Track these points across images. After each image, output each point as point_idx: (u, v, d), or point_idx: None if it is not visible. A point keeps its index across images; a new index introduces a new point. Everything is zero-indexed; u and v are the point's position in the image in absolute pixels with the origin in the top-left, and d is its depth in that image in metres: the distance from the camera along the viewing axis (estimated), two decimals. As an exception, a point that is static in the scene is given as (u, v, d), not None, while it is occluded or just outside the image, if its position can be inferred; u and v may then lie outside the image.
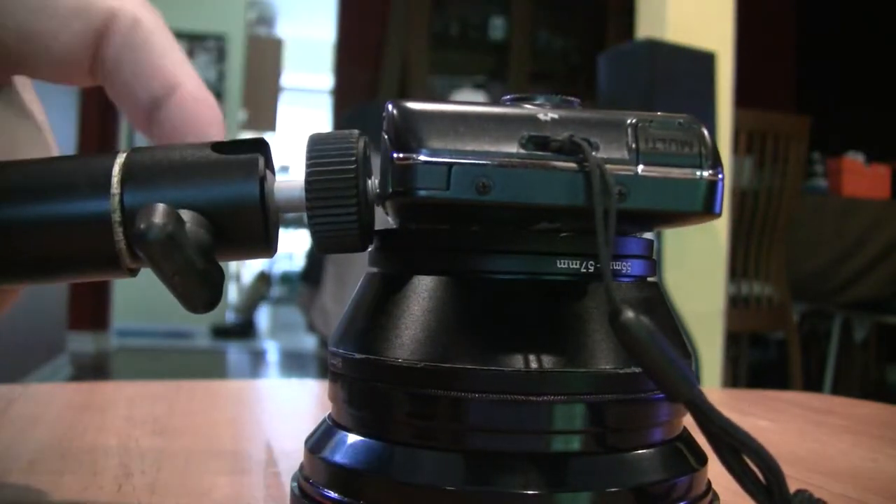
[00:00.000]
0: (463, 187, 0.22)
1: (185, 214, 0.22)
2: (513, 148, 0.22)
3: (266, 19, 5.04)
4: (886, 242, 2.59)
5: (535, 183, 0.22)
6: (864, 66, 3.88)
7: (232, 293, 4.38)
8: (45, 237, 0.23)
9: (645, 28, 2.16)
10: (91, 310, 3.90)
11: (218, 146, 0.23)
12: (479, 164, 0.22)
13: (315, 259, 3.04)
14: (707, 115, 1.94)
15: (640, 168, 0.23)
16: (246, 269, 5.51)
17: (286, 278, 6.29)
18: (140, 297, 4.07)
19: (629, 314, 0.20)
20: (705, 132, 0.23)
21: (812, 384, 2.78)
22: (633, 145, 0.23)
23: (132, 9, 0.25)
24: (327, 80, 4.61)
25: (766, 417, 0.51)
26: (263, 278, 5.29)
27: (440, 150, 0.22)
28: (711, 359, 1.98)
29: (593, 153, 0.22)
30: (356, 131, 0.24)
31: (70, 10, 0.24)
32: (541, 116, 0.23)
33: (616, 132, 0.23)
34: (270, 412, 0.52)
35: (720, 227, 1.99)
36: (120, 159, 0.23)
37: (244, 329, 5.06)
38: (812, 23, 4.13)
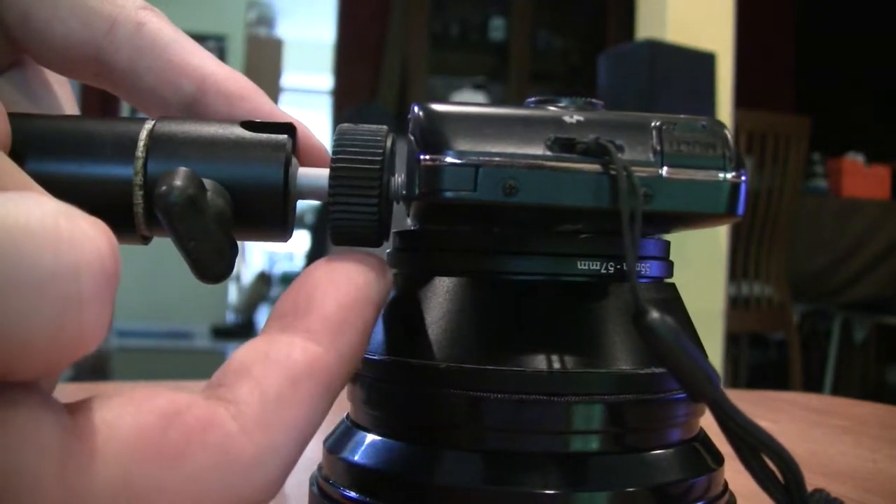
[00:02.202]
0: (490, 189, 0.22)
1: (208, 184, 0.22)
2: (539, 150, 0.22)
3: (266, 20, 5.04)
4: (886, 243, 2.60)
5: (562, 185, 0.22)
6: (865, 66, 3.88)
7: (232, 293, 4.38)
8: (63, 192, 0.23)
9: (645, 28, 2.16)
10: (91, 310, 3.89)
11: (248, 124, 0.23)
12: (506, 166, 0.22)
13: (315, 260, 3.03)
14: (707, 115, 1.93)
15: (665, 170, 0.23)
16: (246, 270, 5.51)
17: (286, 278, 6.29)
18: (140, 298, 4.07)
19: (655, 314, 0.21)
20: (728, 134, 0.23)
21: (812, 385, 2.78)
22: (658, 147, 0.23)
23: (134, 14, 0.25)
24: (327, 81, 4.61)
25: (766, 418, 0.51)
26: (263, 278, 5.29)
27: (467, 151, 0.22)
28: (711, 359, 1.96)
29: (619, 155, 0.22)
30: (385, 127, 0.24)
31: (68, 7, 0.24)
32: (566, 118, 0.23)
33: (641, 134, 0.23)
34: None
35: (720, 228, 1.99)
36: (148, 125, 0.23)
37: (244, 329, 5.05)
38: (812, 23, 4.13)
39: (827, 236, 2.62)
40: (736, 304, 2.40)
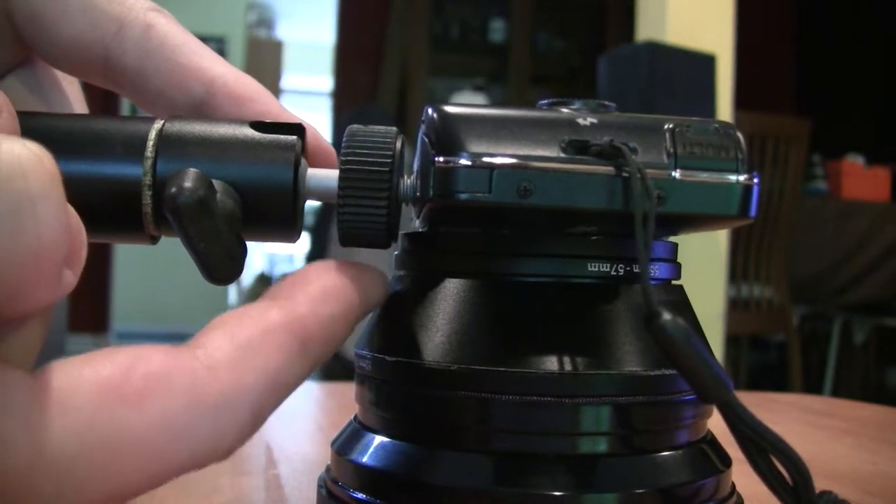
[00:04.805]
0: (504, 191, 0.22)
1: (217, 185, 0.22)
2: (553, 152, 0.22)
3: (266, 21, 5.04)
4: (886, 245, 2.60)
5: (576, 187, 0.22)
6: (865, 68, 3.88)
7: (232, 295, 4.37)
8: (71, 191, 0.23)
9: (645, 30, 2.16)
10: (90, 312, 3.90)
11: (257, 125, 0.23)
12: (520, 168, 0.22)
13: (315, 261, 3.03)
14: (707, 117, 1.93)
15: (678, 172, 0.23)
16: (246, 271, 5.50)
17: (285, 280, 6.25)
18: (140, 300, 4.07)
19: (667, 316, 0.21)
20: (741, 137, 0.24)
21: (812, 386, 2.78)
22: (671, 150, 0.23)
23: (142, 15, 0.25)
24: (327, 83, 4.61)
25: (766, 420, 0.51)
26: (263, 280, 5.29)
27: (482, 153, 0.22)
28: (712, 361, 1.98)
29: (633, 157, 0.22)
30: (395, 129, 0.24)
31: (78, 7, 0.24)
32: (580, 121, 0.23)
33: (654, 137, 0.23)
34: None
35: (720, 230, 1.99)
36: (157, 125, 0.23)
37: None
38: (812, 25, 4.13)
39: (827, 238, 2.62)
40: (736, 306, 2.40)
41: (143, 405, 0.17)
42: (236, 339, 0.19)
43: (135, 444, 0.16)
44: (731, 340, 2.43)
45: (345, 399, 0.59)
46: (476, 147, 0.22)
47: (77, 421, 0.16)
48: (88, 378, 0.16)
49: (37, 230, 0.15)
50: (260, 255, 5.27)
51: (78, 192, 0.23)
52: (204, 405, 0.17)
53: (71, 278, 0.16)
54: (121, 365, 0.17)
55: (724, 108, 2.09)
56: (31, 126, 0.22)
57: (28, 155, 0.15)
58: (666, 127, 0.23)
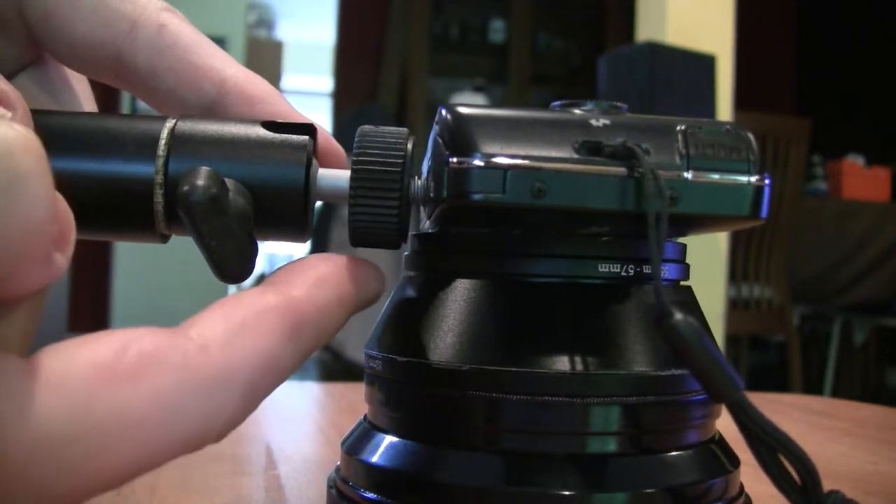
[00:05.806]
0: (518, 191, 0.22)
1: (229, 183, 0.22)
2: (566, 153, 0.22)
3: (266, 22, 5.03)
4: (886, 245, 2.60)
5: (589, 187, 0.22)
6: (865, 68, 3.89)
7: (231, 295, 4.38)
8: (83, 189, 0.23)
9: (645, 30, 2.16)
10: (91, 312, 3.89)
11: (269, 125, 0.23)
12: (534, 169, 0.22)
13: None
14: (707, 117, 1.93)
15: (690, 173, 0.23)
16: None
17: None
18: (140, 300, 4.07)
19: (679, 316, 0.21)
20: (752, 138, 0.24)
21: (812, 387, 2.78)
22: (684, 151, 0.23)
23: (155, 15, 0.25)
24: (327, 83, 4.61)
25: (766, 420, 0.51)
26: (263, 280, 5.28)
27: (496, 154, 0.22)
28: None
29: (646, 158, 0.22)
30: (406, 129, 0.24)
31: (90, 6, 0.24)
32: (593, 122, 0.23)
33: (666, 138, 0.23)
34: (269, 415, 0.52)
35: (721, 230, 1.99)
36: (169, 123, 0.23)
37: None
38: (812, 25, 4.14)
39: (827, 238, 2.62)
40: (736, 306, 2.41)
41: (136, 384, 0.17)
42: (229, 319, 0.19)
43: (129, 423, 0.16)
44: (731, 340, 2.43)
45: (344, 399, 0.59)
46: (490, 148, 0.22)
47: (71, 404, 0.16)
48: (82, 360, 0.16)
49: (27, 208, 0.15)
50: (259, 256, 5.27)
51: (90, 191, 0.23)
52: (196, 382, 0.17)
53: (61, 261, 0.16)
54: (114, 346, 0.17)
55: (724, 108, 2.10)
56: (44, 124, 0.22)
57: (14, 135, 0.15)
58: (678, 128, 0.23)
